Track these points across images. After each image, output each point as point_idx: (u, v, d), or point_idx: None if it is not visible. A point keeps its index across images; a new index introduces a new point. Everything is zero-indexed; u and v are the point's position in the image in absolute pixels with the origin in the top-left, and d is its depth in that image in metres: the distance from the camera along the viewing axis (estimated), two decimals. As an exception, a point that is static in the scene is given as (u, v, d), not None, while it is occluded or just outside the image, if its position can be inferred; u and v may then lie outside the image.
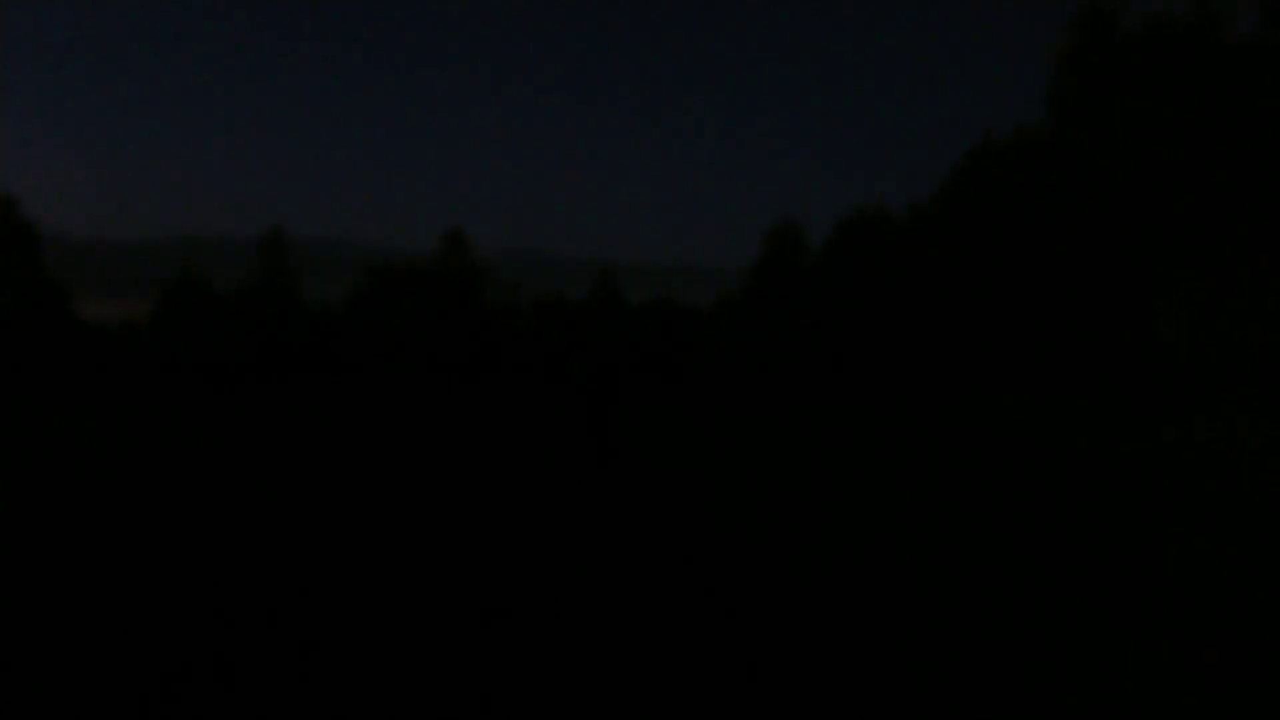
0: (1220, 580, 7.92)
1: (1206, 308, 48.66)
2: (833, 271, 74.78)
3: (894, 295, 69.74)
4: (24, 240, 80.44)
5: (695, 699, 4.85)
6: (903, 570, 8.26)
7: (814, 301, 77.34)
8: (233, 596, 6.68)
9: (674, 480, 14.80)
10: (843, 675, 5.26)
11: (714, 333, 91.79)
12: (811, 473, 15.86)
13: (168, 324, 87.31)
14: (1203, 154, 48.55)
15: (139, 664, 5.13)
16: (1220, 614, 6.73)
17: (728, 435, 24.76)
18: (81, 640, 5.60)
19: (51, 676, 4.90)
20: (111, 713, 4.31)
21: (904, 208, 71.92)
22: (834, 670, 5.36)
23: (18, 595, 6.74)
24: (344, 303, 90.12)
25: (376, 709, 4.57)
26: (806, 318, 78.00)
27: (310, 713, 4.36)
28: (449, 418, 32.38)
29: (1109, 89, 53.02)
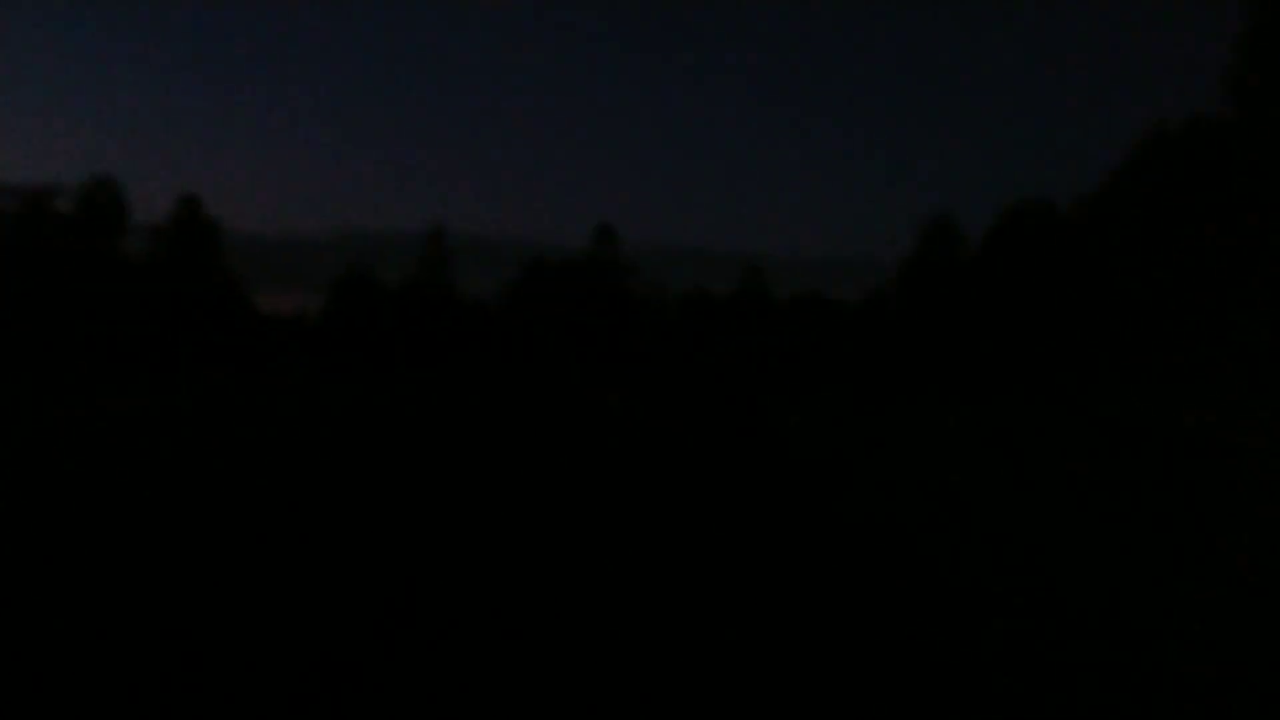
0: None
1: None
2: (992, 265, 72.33)
3: (1058, 290, 66.92)
4: (208, 237, 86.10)
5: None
6: (1047, 568, 8.11)
7: (971, 296, 75.00)
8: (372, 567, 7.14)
9: (823, 472, 14.82)
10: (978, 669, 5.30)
11: (864, 328, 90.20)
12: (963, 468, 15.58)
13: (338, 317, 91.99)
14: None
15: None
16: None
17: (877, 430, 24.47)
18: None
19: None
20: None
21: (1067, 199, 68.87)
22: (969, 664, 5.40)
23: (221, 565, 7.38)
24: (499, 296, 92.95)
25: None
26: (963, 312, 75.72)
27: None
28: (595, 408, 33.11)
29: (1297, 71, 49.44)
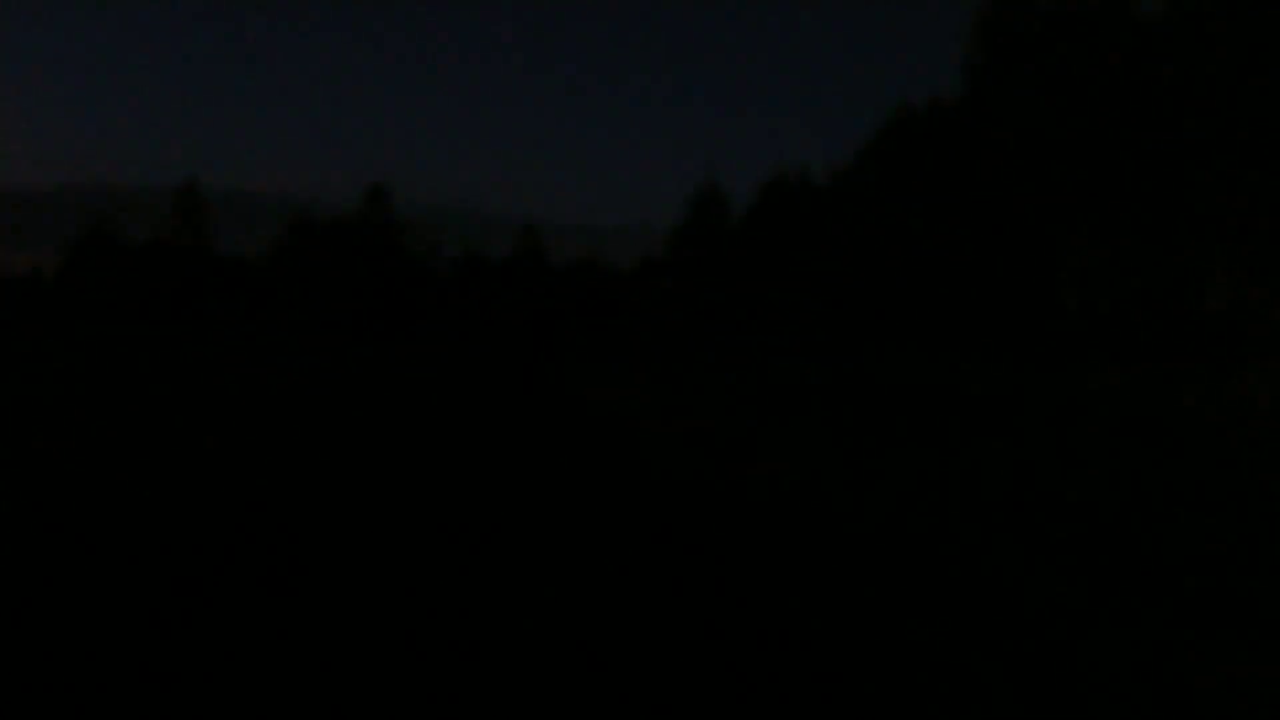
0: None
1: (1105, 277, 50.89)
2: (754, 233, 75.95)
3: (813, 257, 71.18)
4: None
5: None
6: (825, 495, 9.05)
7: (736, 262, 78.48)
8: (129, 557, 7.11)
9: (604, 424, 15.46)
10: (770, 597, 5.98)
11: (637, 292, 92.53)
12: (732, 420, 16.68)
13: (77, 276, 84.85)
14: (1107, 125, 50.50)
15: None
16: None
17: (648, 386, 25.52)
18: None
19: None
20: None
21: (825, 172, 73.23)
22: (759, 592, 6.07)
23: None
24: (262, 256, 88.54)
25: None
26: (729, 277, 79.16)
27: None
28: (365, 368, 32.54)
29: (1020, 59, 54.67)
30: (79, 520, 7.54)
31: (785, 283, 73.96)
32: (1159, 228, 48.69)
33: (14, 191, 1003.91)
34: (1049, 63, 52.93)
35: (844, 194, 66.98)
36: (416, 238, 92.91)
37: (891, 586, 6.14)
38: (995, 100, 55.40)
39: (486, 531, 7.41)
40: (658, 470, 10.69)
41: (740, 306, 78.19)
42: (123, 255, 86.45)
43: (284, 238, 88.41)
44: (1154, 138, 48.68)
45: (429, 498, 8.87)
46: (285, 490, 9.08)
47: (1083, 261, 52.03)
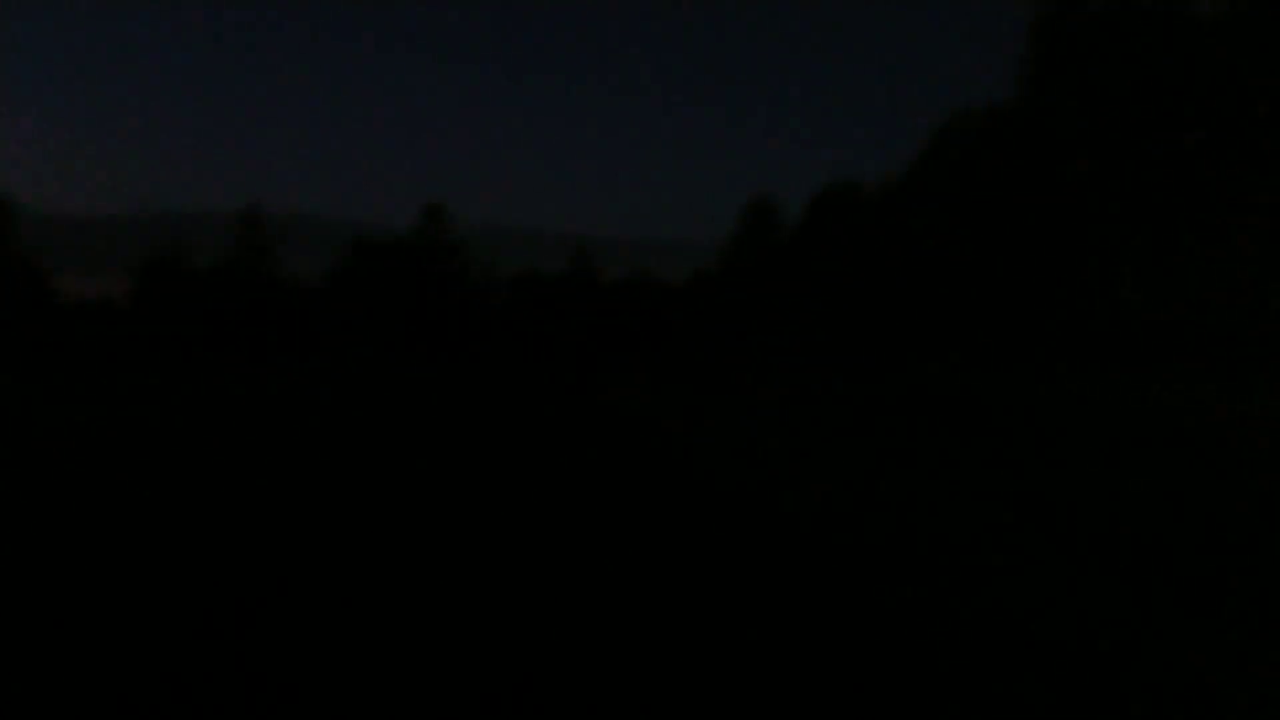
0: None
1: (1168, 276, 49.93)
2: (807, 245, 75.71)
3: (868, 268, 70.78)
4: (2, 216, 79.99)
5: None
6: (883, 514, 9.16)
7: (789, 275, 78.29)
8: (201, 571, 7.43)
9: (657, 439, 15.66)
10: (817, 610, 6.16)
11: (690, 307, 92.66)
12: (785, 434, 16.77)
13: (147, 301, 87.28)
14: (1167, 125, 49.63)
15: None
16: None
17: (705, 404, 25.67)
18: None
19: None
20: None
21: (878, 182, 72.82)
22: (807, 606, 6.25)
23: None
24: (324, 277, 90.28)
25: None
26: (782, 291, 78.97)
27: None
28: (429, 389, 33.13)
29: (1077, 61, 53.98)
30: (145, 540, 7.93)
31: (839, 294, 73.59)
32: (1221, 229, 47.70)
33: (86, 219, 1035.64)
34: (1106, 64, 52.19)
35: (898, 203, 66.55)
36: (473, 257, 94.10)
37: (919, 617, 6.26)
38: (1053, 103, 54.75)
39: (514, 536, 7.66)
40: (694, 482, 10.87)
41: (793, 319, 77.93)
42: (190, 280, 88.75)
43: (345, 259, 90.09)
44: (1214, 138, 47.72)
45: (475, 512, 9.15)
46: (333, 499, 9.43)
47: (1146, 264, 51.13)
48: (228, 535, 7.98)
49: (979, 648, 5.13)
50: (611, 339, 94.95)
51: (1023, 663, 4.91)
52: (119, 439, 15.46)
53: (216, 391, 30.14)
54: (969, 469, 12.20)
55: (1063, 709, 4.31)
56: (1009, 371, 44.03)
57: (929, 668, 4.87)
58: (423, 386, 35.30)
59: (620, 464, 12.67)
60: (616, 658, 5.00)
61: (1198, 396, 25.69)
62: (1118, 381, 33.08)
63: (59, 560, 7.03)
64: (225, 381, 38.25)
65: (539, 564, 7.01)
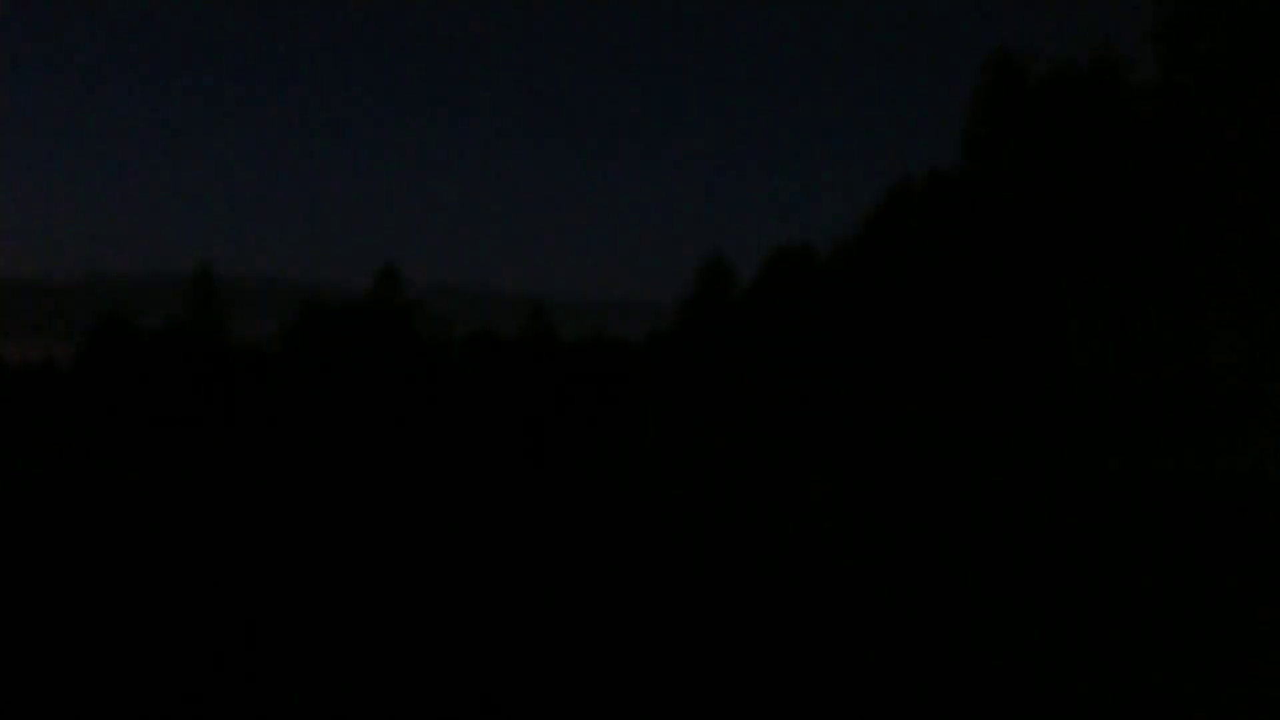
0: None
1: (1113, 337, 51.17)
2: (760, 305, 76.66)
3: (820, 327, 71.74)
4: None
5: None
6: (847, 570, 9.24)
7: (743, 333, 79.07)
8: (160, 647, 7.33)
9: (622, 501, 15.65)
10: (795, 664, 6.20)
11: (647, 366, 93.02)
12: (749, 493, 16.85)
13: (93, 367, 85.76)
14: (1105, 192, 51.28)
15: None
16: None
17: (665, 461, 25.72)
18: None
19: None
20: None
21: (829, 244, 74.18)
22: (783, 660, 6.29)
23: None
24: (275, 341, 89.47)
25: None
26: (737, 349, 79.66)
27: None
28: (387, 453, 32.81)
29: (1018, 130, 55.76)
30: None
31: (792, 354, 74.39)
32: (1162, 287, 49.10)
33: (30, 282, 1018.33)
34: (1045, 133, 53.96)
35: (847, 264, 67.78)
36: (427, 318, 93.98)
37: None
38: (995, 170, 56.38)
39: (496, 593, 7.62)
40: (660, 539, 10.89)
41: (748, 378, 78.53)
42: (137, 344, 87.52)
43: (296, 322, 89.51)
44: (1152, 201, 49.36)
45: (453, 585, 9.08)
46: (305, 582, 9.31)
47: (1089, 323, 52.37)
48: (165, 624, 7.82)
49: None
50: (570, 398, 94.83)
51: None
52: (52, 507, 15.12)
53: (162, 466, 29.59)
54: (929, 525, 12.35)
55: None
56: (962, 432, 44.63)
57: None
58: (380, 451, 34.95)
59: (585, 527, 12.64)
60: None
61: (1145, 458, 26.21)
62: (1066, 442, 33.67)
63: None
64: (172, 452, 37.58)
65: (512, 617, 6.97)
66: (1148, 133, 50.95)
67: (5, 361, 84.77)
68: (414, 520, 14.25)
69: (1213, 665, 6.38)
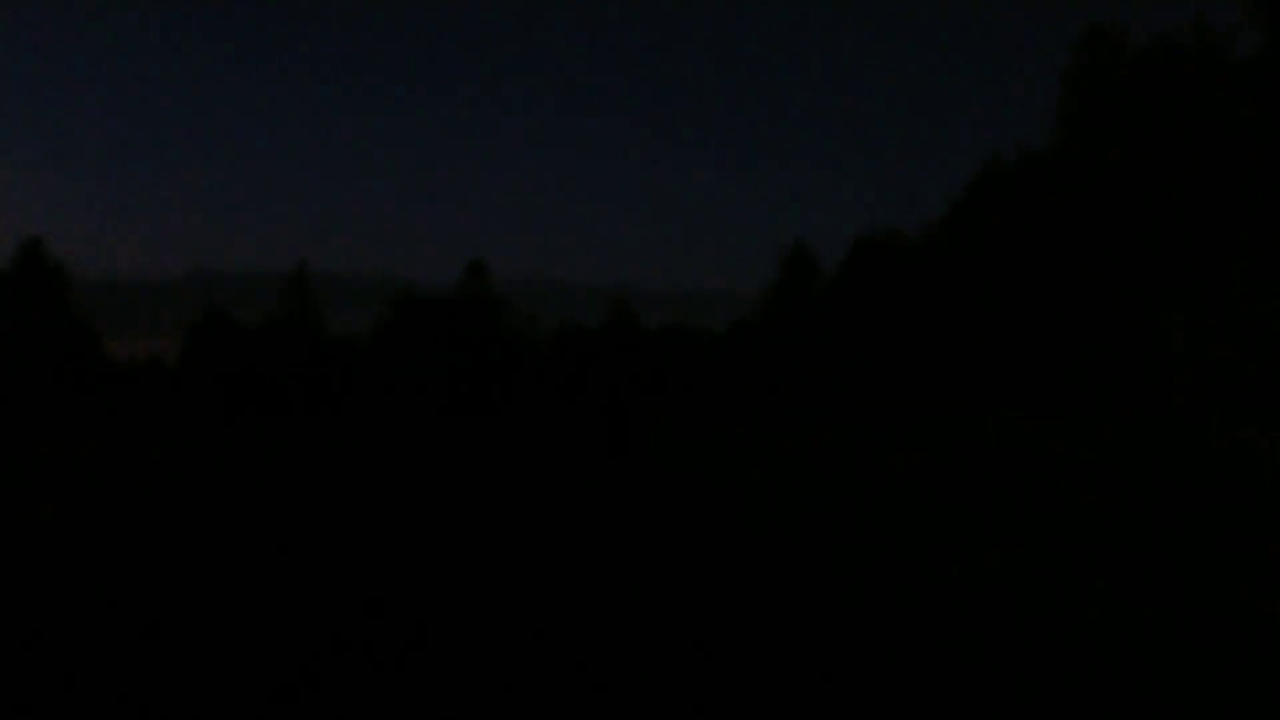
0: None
1: (1213, 321, 49.28)
2: (847, 292, 75.71)
3: (908, 314, 70.57)
4: (54, 282, 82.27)
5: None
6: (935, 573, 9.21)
7: (828, 322, 78.23)
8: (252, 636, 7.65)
9: (703, 490, 15.76)
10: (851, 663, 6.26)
11: (729, 355, 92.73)
12: (833, 485, 16.80)
13: (196, 361, 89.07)
14: (1205, 169, 49.35)
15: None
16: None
17: (748, 452, 25.71)
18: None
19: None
20: None
21: (916, 228, 72.90)
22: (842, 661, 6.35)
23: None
24: (369, 335, 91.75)
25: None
26: (821, 338, 78.87)
27: None
28: (474, 441, 33.46)
29: (1113, 107, 53.96)
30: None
31: (878, 341, 73.34)
32: (1265, 268, 47.10)
33: (136, 282, 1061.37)
34: (1143, 109, 52.13)
35: (936, 249, 66.48)
36: (514, 311, 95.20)
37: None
38: (1090, 147, 54.68)
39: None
40: (750, 539, 10.95)
41: (835, 367, 77.69)
42: (238, 339, 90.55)
43: (389, 316, 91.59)
44: (1253, 181, 47.37)
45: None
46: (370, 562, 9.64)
47: (1188, 305, 50.53)
48: (275, 603, 8.19)
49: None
50: (653, 388, 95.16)
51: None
52: (167, 505, 15.85)
53: (264, 450, 30.67)
54: (1026, 521, 12.18)
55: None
56: (1060, 420, 43.53)
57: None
58: (469, 441, 35.64)
59: (668, 517, 12.79)
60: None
61: (1258, 444, 25.29)
62: (1170, 429, 32.62)
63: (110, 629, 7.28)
64: (273, 440, 38.90)
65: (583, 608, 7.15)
66: (1251, 107, 48.89)
67: (114, 359, 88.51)
68: (498, 504, 14.57)
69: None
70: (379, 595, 8.22)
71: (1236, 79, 49.20)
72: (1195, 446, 24.30)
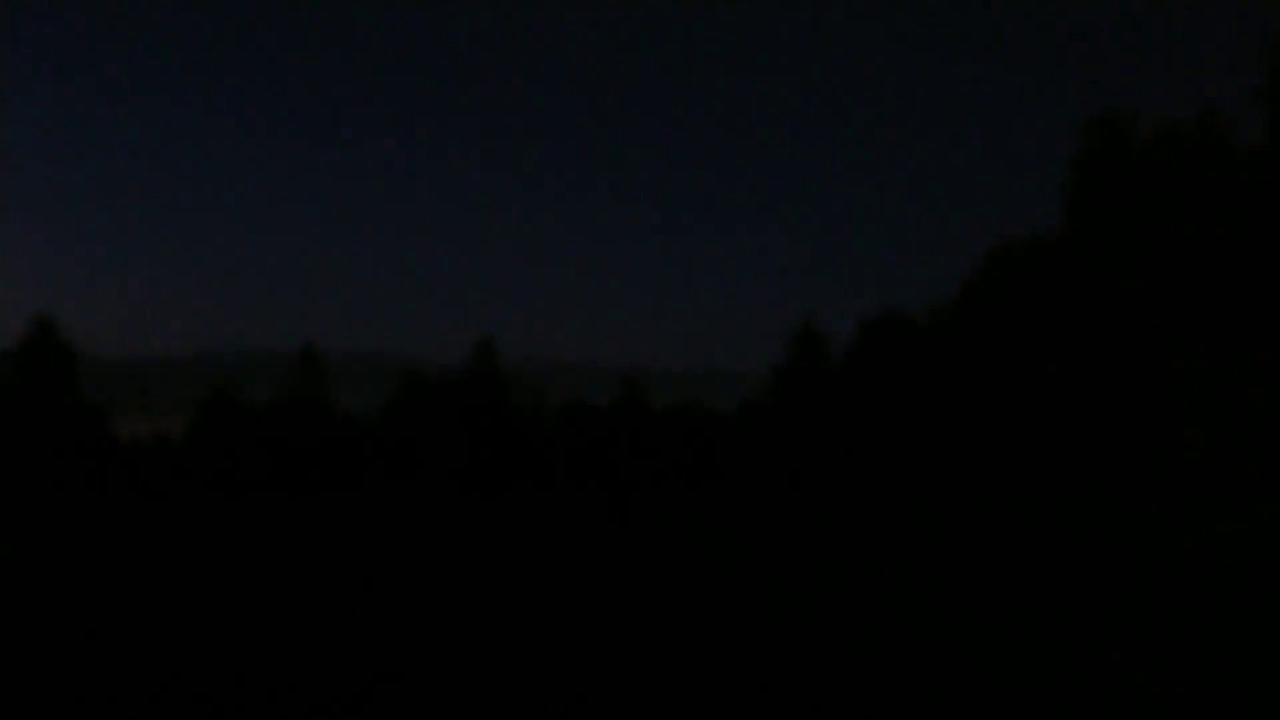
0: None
1: (1227, 406, 48.93)
2: (857, 373, 75.60)
3: (918, 397, 70.32)
4: (63, 361, 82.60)
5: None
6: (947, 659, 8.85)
7: (839, 403, 77.93)
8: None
9: (709, 571, 15.38)
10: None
11: (739, 436, 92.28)
12: (838, 569, 16.41)
13: (203, 440, 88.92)
14: (1213, 256, 49.52)
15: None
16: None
17: (756, 532, 25.27)
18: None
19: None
20: None
21: (925, 311, 73.04)
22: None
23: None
24: (377, 413, 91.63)
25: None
26: (832, 420, 78.49)
27: None
28: (482, 523, 33.01)
29: (1121, 193, 54.42)
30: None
31: (890, 423, 72.97)
32: (1275, 356, 46.91)
33: (144, 360, 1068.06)
34: (1149, 196, 52.56)
35: (946, 332, 66.52)
36: (523, 390, 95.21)
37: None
38: (1097, 234, 55.01)
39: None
40: (760, 624, 10.58)
41: (843, 448, 77.17)
42: (246, 418, 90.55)
43: (396, 396, 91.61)
44: (1262, 263, 47.47)
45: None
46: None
47: (1202, 393, 50.22)
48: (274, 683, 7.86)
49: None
50: (662, 469, 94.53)
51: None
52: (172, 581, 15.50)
53: (271, 531, 30.28)
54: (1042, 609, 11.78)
55: None
56: (1073, 503, 42.94)
57: None
58: (472, 523, 35.20)
59: (672, 600, 12.41)
60: None
61: (1262, 527, 24.82)
62: (1180, 514, 32.11)
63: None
64: (279, 521, 38.48)
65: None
66: (1257, 195, 49.25)
67: (120, 437, 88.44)
68: (502, 576, 14.20)
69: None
70: (374, 677, 7.88)
71: (1241, 167, 49.69)
72: (1196, 530, 23.83)
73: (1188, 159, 51.78)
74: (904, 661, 9.07)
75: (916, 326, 72.25)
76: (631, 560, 19.60)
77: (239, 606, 13.04)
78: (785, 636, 10.38)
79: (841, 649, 9.65)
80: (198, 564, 19.20)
